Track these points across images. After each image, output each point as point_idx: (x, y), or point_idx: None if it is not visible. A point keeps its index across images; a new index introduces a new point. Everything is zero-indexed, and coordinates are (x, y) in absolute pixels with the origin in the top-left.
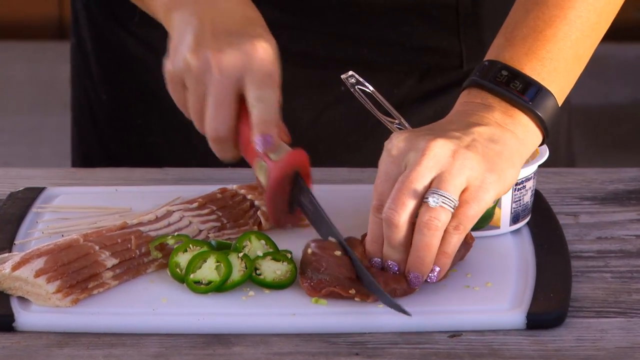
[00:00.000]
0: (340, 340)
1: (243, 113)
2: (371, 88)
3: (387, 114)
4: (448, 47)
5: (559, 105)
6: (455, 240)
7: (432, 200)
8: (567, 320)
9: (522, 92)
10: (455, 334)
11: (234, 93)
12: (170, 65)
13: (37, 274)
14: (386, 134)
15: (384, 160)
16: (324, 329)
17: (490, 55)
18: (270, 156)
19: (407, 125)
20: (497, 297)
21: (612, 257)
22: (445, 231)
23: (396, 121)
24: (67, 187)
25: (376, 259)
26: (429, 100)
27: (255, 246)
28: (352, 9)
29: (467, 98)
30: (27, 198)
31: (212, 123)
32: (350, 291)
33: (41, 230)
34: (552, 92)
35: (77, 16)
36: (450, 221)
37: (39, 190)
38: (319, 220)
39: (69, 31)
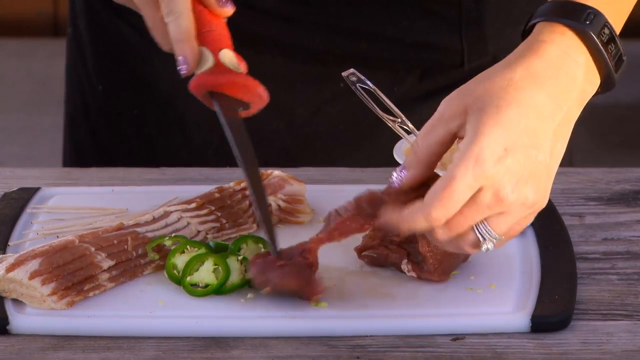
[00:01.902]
0: (340, 343)
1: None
2: (372, 86)
3: (389, 112)
4: (449, 44)
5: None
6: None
7: (485, 246)
8: (572, 323)
9: (614, 58)
10: (458, 337)
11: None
12: None
13: (32, 276)
14: (385, 131)
15: (462, 179)
16: (324, 332)
17: None
18: (195, 71)
19: (409, 124)
20: (501, 299)
21: (618, 258)
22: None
23: (398, 120)
24: (62, 187)
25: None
26: (429, 100)
27: (252, 249)
28: (352, 2)
29: (563, 45)
30: (22, 198)
31: (158, 41)
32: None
33: (36, 231)
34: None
35: (74, 5)
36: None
37: (34, 191)
38: (232, 141)
39: (64, 28)
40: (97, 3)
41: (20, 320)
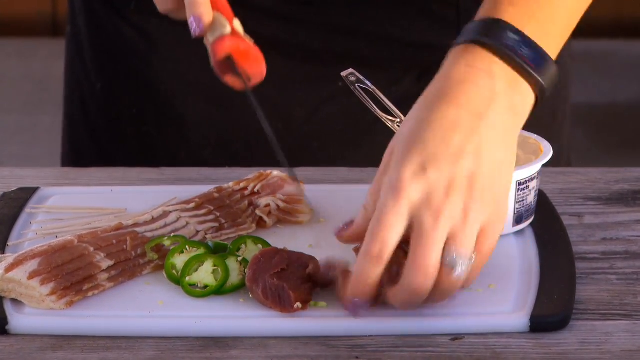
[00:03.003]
0: (340, 343)
1: None
2: (371, 86)
3: (388, 112)
4: (448, 45)
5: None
6: (468, 285)
7: (458, 270)
8: (572, 323)
9: (530, 60)
10: (457, 336)
11: None
12: None
13: (31, 276)
14: (384, 131)
15: (389, 210)
16: (323, 332)
17: (486, 11)
18: (208, 37)
19: None
20: (500, 299)
21: (617, 258)
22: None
23: (397, 120)
24: (61, 187)
25: (360, 303)
26: None
27: (251, 249)
28: (351, 2)
29: (467, 60)
30: (20, 198)
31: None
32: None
33: (35, 231)
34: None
35: (73, 4)
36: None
37: (33, 191)
38: (253, 105)
39: (63, 28)
40: (96, 2)
41: (19, 320)
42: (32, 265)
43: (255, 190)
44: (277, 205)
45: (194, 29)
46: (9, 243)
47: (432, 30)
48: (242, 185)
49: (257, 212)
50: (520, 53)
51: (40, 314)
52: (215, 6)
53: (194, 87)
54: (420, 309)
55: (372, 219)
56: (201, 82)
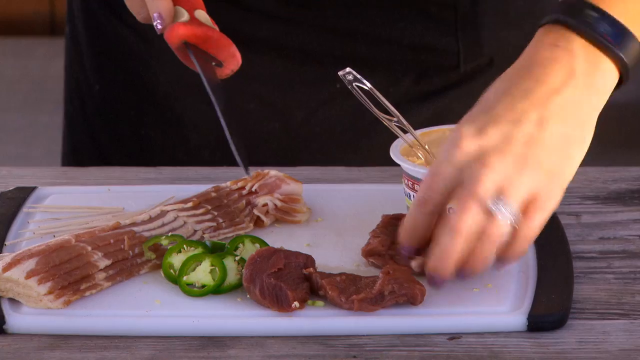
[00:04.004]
0: (337, 342)
1: None
2: (369, 85)
3: (385, 112)
4: (445, 46)
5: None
6: (516, 253)
7: (503, 213)
8: (569, 322)
9: (610, 35)
10: (454, 336)
11: None
12: None
13: (28, 275)
14: (382, 132)
15: (441, 160)
16: (321, 331)
17: None
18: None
19: (405, 123)
20: (498, 298)
21: (614, 257)
22: (509, 248)
23: (394, 119)
24: (58, 186)
25: (405, 247)
26: (426, 102)
27: (249, 249)
28: (349, 4)
29: (547, 39)
30: (18, 198)
31: (132, 9)
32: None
33: (32, 231)
34: (636, 36)
35: (72, 4)
36: (514, 236)
37: (30, 190)
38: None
39: (61, 28)
40: (94, 3)
41: (17, 320)
42: (30, 264)
43: (253, 189)
44: (275, 205)
45: (156, 24)
46: (6, 242)
47: (430, 32)
48: (239, 184)
49: (255, 211)
50: (600, 29)
51: (37, 314)
52: (176, 1)
53: (193, 88)
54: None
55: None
56: (199, 83)
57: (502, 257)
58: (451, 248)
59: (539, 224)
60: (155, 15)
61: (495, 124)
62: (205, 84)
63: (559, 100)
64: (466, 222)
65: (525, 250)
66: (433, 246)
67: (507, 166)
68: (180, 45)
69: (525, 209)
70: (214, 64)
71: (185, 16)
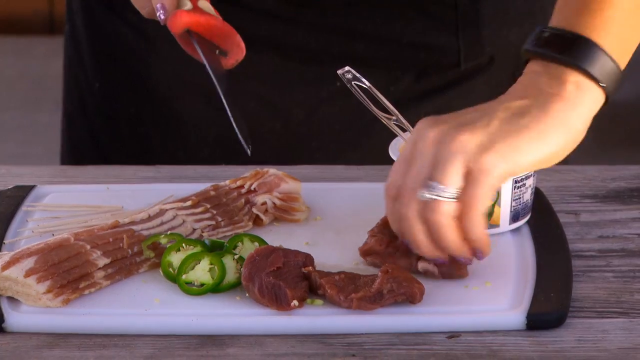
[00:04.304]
0: (336, 341)
1: None
2: (368, 84)
3: (384, 110)
4: (446, 45)
5: (615, 60)
6: (472, 224)
7: (421, 193)
8: (568, 320)
9: (566, 49)
10: (453, 334)
11: None
12: None
13: (27, 274)
14: (382, 131)
15: (405, 149)
16: (320, 330)
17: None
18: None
19: (404, 121)
20: (497, 297)
21: (613, 256)
22: (459, 218)
23: (393, 117)
24: (57, 185)
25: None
26: (425, 100)
27: (248, 248)
28: (349, 2)
29: (524, 71)
30: (17, 196)
31: (137, 4)
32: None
33: (31, 229)
34: (605, 47)
35: (71, 3)
36: (458, 208)
37: (29, 189)
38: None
39: (60, 26)
40: (94, 1)
41: (16, 318)
42: (29, 263)
43: (252, 188)
44: (274, 203)
45: (159, 15)
46: (5, 241)
47: (431, 30)
48: (238, 183)
49: (254, 210)
50: (554, 46)
51: (36, 312)
52: None
53: (192, 87)
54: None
55: None
56: (199, 82)
57: (467, 236)
58: (414, 236)
59: (479, 197)
60: (158, 5)
61: (454, 116)
62: (208, 68)
63: (536, 103)
64: (409, 210)
65: (480, 224)
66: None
67: (441, 144)
68: (183, 33)
69: (465, 183)
70: (217, 52)
71: (188, 5)
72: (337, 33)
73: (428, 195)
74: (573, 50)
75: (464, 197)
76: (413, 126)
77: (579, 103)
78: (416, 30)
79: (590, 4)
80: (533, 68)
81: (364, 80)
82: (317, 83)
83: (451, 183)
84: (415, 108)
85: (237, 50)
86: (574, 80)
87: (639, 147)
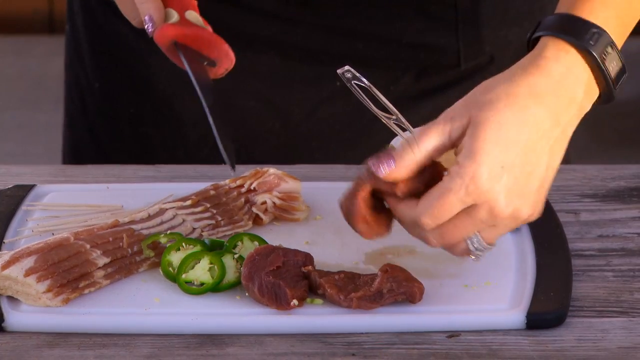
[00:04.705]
0: (336, 340)
1: None
2: (368, 83)
3: (384, 110)
4: (446, 45)
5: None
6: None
7: (474, 257)
8: (568, 320)
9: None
10: (453, 334)
11: None
12: None
13: (27, 273)
14: (382, 131)
15: (455, 194)
16: (320, 329)
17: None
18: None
19: (404, 121)
20: (496, 296)
21: (613, 255)
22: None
23: (393, 117)
24: (57, 184)
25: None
26: (425, 100)
27: (248, 247)
28: (348, 2)
29: (538, 51)
30: (17, 196)
31: (127, 15)
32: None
33: (31, 229)
34: (607, 29)
35: (71, 3)
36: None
37: (29, 188)
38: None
39: (60, 26)
40: (94, 1)
41: (16, 318)
42: (29, 262)
43: (252, 187)
44: (274, 203)
45: (147, 27)
46: (5, 240)
47: (431, 30)
48: (238, 182)
49: (254, 209)
50: (611, 69)
51: (36, 312)
52: (166, 3)
53: (192, 87)
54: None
55: (438, 187)
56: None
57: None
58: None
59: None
60: (146, 18)
61: (510, 169)
62: (194, 82)
63: (559, 135)
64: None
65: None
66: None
67: (508, 222)
68: (169, 46)
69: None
70: (206, 63)
71: (175, 17)
72: (336, 33)
73: (477, 251)
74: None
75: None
76: (414, 126)
77: (586, 108)
78: (416, 30)
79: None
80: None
81: (363, 79)
82: (317, 82)
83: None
84: (414, 108)
85: (226, 60)
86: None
87: (639, 146)
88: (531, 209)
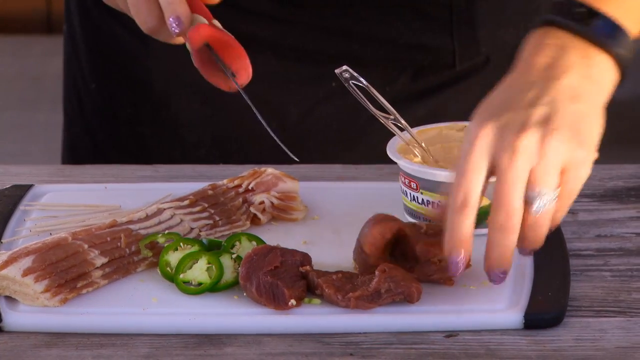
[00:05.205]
0: (334, 340)
1: None
2: (365, 82)
3: (382, 109)
4: (441, 45)
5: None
6: (559, 219)
7: (537, 205)
8: (566, 319)
9: (602, 30)
10: (451, 333)
11: None
12: None
13: (25, 273)
14: (379, 130)
15: (470, 156)
16: (317, 329)
17: None
18: (182, 36)
19: (402, 120)
20: (494, 296)
21: (611, 255)
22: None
23: (391, 117)
24: (55, 184)
25: (459, 258)
26: (421, 100)
27: (246, 247)
28: (344, 3)
29: (539, 39)
30: (15, 196)
31: (139, 19)
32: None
33: (29, 229)
34: (629, 30)
35: (69, 4)
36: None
37: (27, 188)
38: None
39: (58, 26)
40: (90, 2)
41: (13, 318)
42: (26, 262)
43: (250, 187)
44: (272, 203)
45: (174, 28)
46: (3, 240)
47: (426, 31)
48: (236, 182)
49: (252, 209)
50: (591, 24)
51: (34, 311)
52: (192, 9)
53: (189, 87)
54: (523, 254)
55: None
56: (196, 82)
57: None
58: (507, 246)
59: (575, 190)
60: (172, 18)
61: (508, 109)
62: (237, 86)
63: (561, 86)
64: (513, 221)
65: (563, 214)
66: (488, 249)
67: (530, 145)
68: (201, 47)
69: (561, 181)
70: (230, 73)
71: (202, 20)
72: (333, 33)
73: (538, 206)
74: (613, 35)
75: (560, 198)
76: (411, 125)
77: (604, 85)
78: (412, 30)
79: None
80: (561, 39)
81: (361, 79)
82: (314, 83)
83: (554, 185)
84: (411, 108)
85: (243, 74)
86: (601, 62)
87: (637, 146)
88: (560, 142)
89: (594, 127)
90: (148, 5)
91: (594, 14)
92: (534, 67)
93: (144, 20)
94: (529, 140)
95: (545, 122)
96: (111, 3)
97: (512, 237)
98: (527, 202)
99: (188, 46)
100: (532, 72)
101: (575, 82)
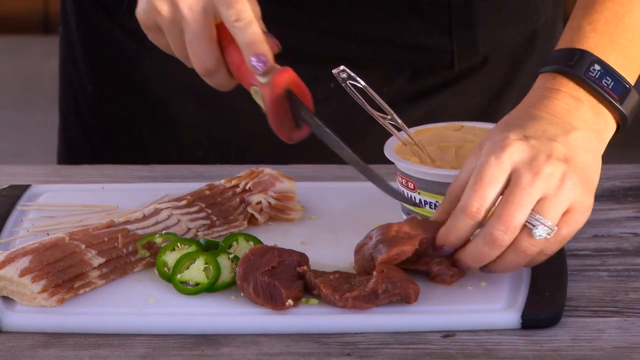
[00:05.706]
0: (331, 340)
1: (227, 37)
2: (363, 83)
3: (379, 110)
4: (439, 46)
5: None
6: (540, 259)
7: (537, 232)
8: (563, 319)
9: (612, 90)
10: (448, 334)
11: (208, 23)
12: (142, 13)
13: (22, 273)
14: (377, 131)
15: (492, 164)
16: (315, 329)
17: (570, 39)
18: (260, 79)
19: (399, 121)
20: (492, 296)
21: (608, 255)
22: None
23: (388, 117)
24: (52, 184)
25: (446, 248)
26: (420, 101)
27: (243, 247)
28: (342, 4)
29: (555, 85)
30: (12, 196)
31: (196, 59)
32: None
33: (26, 229)
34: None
35: (65, 4)
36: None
37: (24, 188)
38: (323, 133)
39: (54, 26)
40: (86, 3)
41: (11, 318)
42: (24, 262)
43: (247, 187)
44: (269, 203)
45: (260, 66)
46: (0, 240)
47: (424, 31)
48: (233, 182)
49: (249, 209)
50: (604, 85)
51: (31, 312)
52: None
53: (186, 89)
54: (484, 271)
55: (471, 177)
56: (192, 84)
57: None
58: (487, 256)
59: (569, 235)
60: (255, 57)
61: (535, 137)
62: (331, 134)
63: (577, 135)
64: (506, 238)
65: (550, 253)
66: (470, 246)
67: (554, 174)
68: (283, 92)
69: (560, 221)
70: (303, 120)
71: (276, 66)
72: (331, 34)
73: (539, 234)
74: (622, 96)
75: (559, 233)
76: (408, 126)
77: (605, 141)
78: (410, 31)
79: (619, 39)
80: (576, 92)
81: (359, 79)
82: (311, 83)
83: (557, 220)
84: (409, 108)
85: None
86: (608, 120)
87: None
88: (572, 173)
89: (597, 179)
90: (209, 45)
91: (606, 71)
92: (555, 109)
93: (201, 62)
94: (554, 169)
95: (566, 161)
96: (156, 41)
97: (497, 252)
98: (528, 224)
99: (256, 91)
100: (552, 111)
101: (587, 136)
